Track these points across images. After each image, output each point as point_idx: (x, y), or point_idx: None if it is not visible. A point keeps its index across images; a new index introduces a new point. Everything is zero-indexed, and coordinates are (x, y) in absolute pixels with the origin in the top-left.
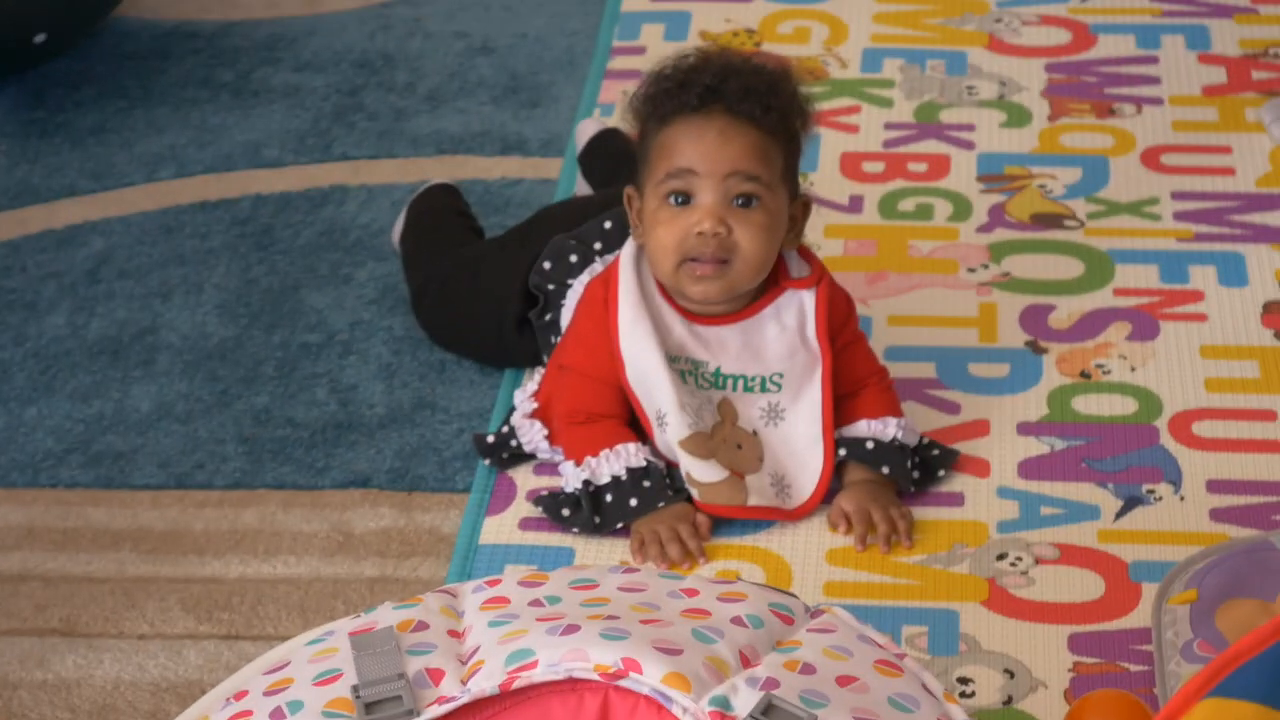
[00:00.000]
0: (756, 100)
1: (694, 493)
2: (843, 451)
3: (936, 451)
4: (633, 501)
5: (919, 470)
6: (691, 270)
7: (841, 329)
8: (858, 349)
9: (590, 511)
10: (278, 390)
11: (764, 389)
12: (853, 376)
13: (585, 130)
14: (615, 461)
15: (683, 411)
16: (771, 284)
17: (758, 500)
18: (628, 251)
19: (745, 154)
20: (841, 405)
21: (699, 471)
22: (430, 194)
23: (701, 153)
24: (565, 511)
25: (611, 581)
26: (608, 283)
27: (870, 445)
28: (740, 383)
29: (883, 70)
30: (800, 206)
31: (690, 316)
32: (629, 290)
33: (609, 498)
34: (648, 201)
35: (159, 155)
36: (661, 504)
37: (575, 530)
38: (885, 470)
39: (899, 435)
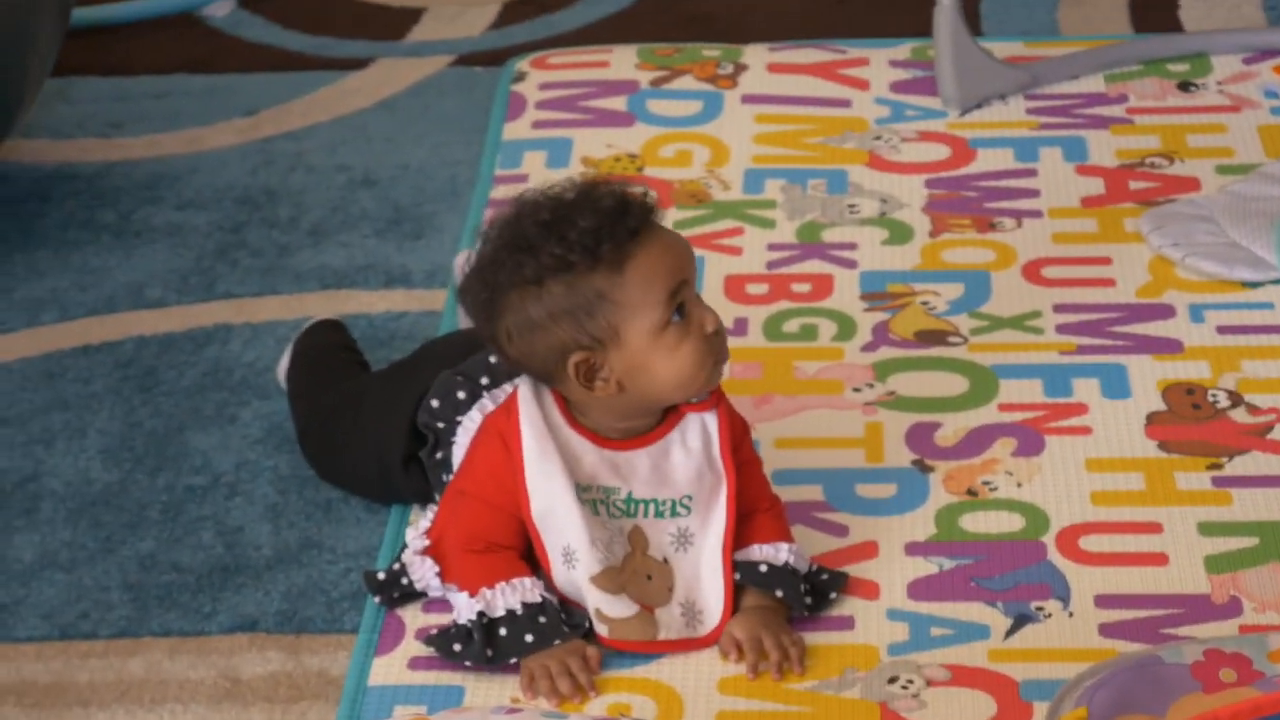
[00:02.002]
0: (650, 207)
1: (602, 629)
2: (736, 575)
3: (826, 576)
4: (529, 637)
5: (810, 595)
6: (717, 367)
7: (739, 447)
8: (753, 469)
9: (483, 644)
10: (163, 535)
11: (674, 513)
12: (748, 496)
13: (463, 262)
14: (512, 595)
15: (594, 547)
16: (671, 410)
17: (667, 634)
18: (526, 386)
19: (690, 253)
20: (736, 530)
21: (609, 607)
22: (315, 330)
23: (681, 259)
24: (457, 647)
25: None
26: (509, 415)
27: (764, 569)
28: (651, 508)
29: (764, 191)
30: None
31: (601, 442)
32: (533, 423)
33: (504, 631)
34: (632, 344)
35: (40, 300)
36: (558, 641)
37: (468, 663)
38: (779, 594)
39: (791, 560)
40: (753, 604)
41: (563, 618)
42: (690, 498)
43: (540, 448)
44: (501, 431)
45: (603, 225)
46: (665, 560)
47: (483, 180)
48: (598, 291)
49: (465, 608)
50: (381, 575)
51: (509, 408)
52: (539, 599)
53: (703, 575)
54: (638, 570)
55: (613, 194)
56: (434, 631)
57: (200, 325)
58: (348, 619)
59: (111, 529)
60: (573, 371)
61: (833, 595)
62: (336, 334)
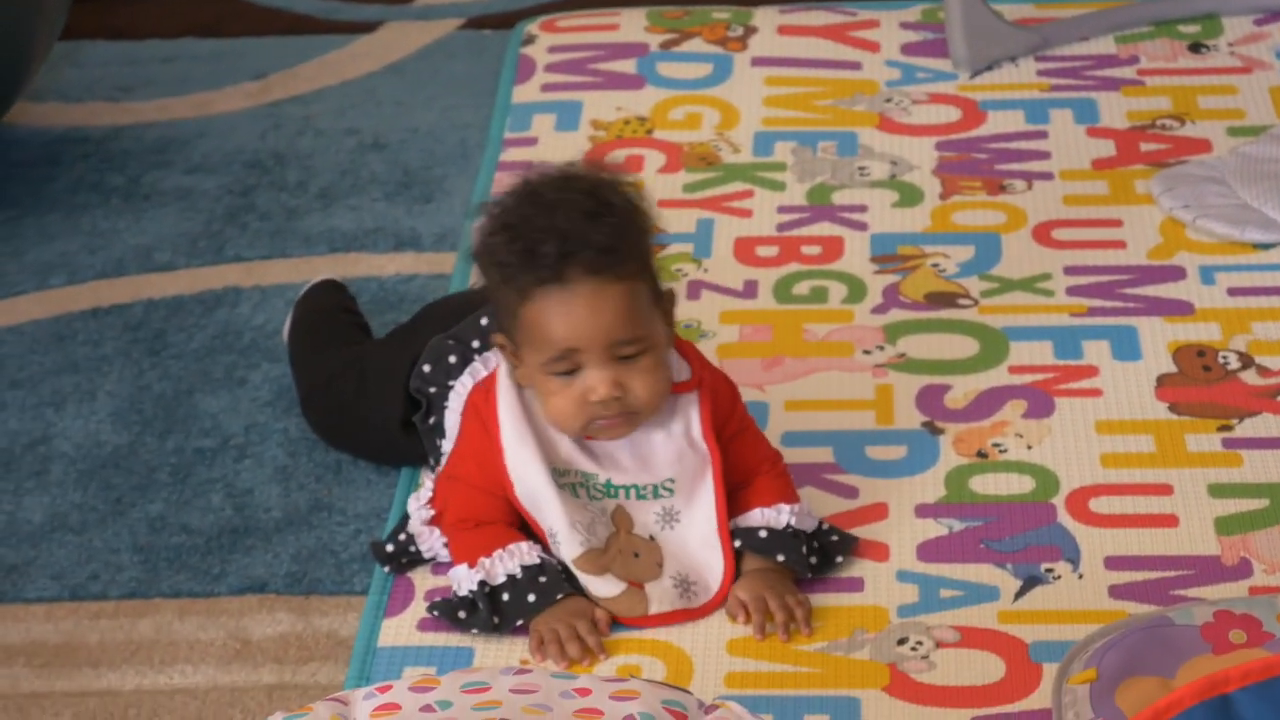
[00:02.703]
0: (609, 254)
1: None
2: (737, 542)
3: (836, 537)
4: (531, 597)
5: (817, 556)
6: (599, 427)
7: (728, 419)
8: (746, 436)
9: (488, 612)
10: (172, 497)
11: (656, 495)
12: (744, 465)
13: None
14: (509, 560)
15: (573, 529)
16: None
17: (659, 606)
18: (504, 372)
19: (620, 319)
20: (735, 495)
21: (595, 587)
22: (315, 292)
23: (577, 329)
24: (462, 614)
25: (503, 683)
26: (488, 397)
27: (763, 534)
28: (632, 492)
29: (774, 154)
30: (668, 299)
31: None
32: (509, 407)
33: (506, 596)
34: (527, 363)
35: (50, 263)
36: (560, 595)
37: (475, 631)
38: (780, 558)
39: (792, 521)
40: (757, 566)
41: (563, 575)
42: (673, 480)
43: (517, 432)
44: (481, 414)
45: (525, 259)
46: (652, 538)
47: (492, 143)
48: (508, 305)
49: (466, 579)
50: (390, 547)
51: (488, 388)
52: (538, 560)
53: (693, 551)
54: (624, 548)
55: (566, 228)
56: (438, 599)
57: (209, 288)
58: (357, 580)
59: (121, 491)
60: (497, 346)
61: (839, 559)
62: (336, 295)
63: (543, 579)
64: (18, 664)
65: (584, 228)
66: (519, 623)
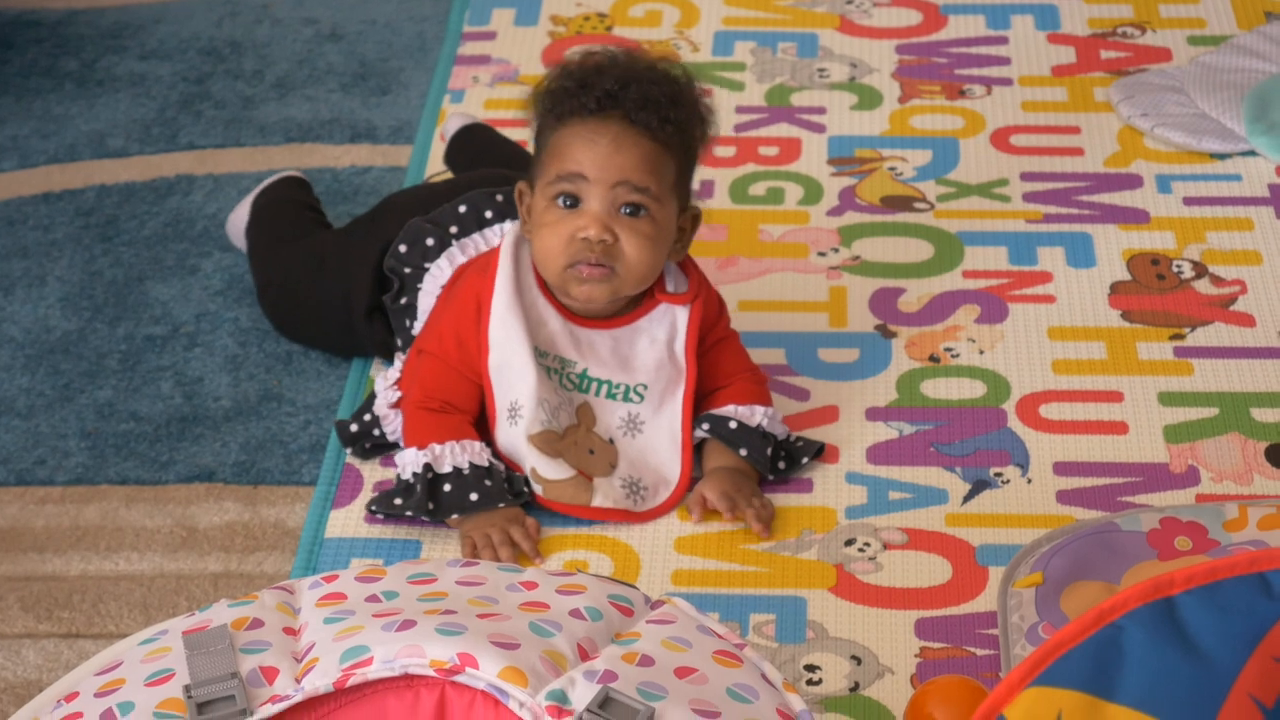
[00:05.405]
0: (654, 111)
1: (537, 489)
2: (705, 427)
3: (801, 443)
4: (473, 496)
5: (785, 462)
6: (578, 273)
7: (713, 327)
8: (727, 346)
9: (425, 496)
10: (121, 384)
11: (626, 398)
12: (723, 371)
13: (453, 124)
14: (460, 455)
15: (539, 407)
16: (647, 296)
17: (603, 501)
18: (508, 243)
19: (636, 164)
20: (711, 395)
21: (544, 468)
22: (278, 185)
23: (593, 159)
24: (398, 500)
25: (450, 575)
26: (485, 272)
27: (733, 425)
28: (604, 388)
29: (734, 53)
30: (689, 219)
31: (566, 315)
32: (506, 281)
33: (448, 488)
34: (537, 199)
35: (1, 146)
36: (501, 504)
37: (408, 513)
38: (743, 452)
39: (764, 423)
40: (722, 464)
41: (506, 485)
42: (645, 386)
43: (507, 305)
44: (478, 292)
45: (578, 89)
46: (611, 441)
47: (450, 36)
48: (541, 134)
49: (411, 462)
50: (354, 427)
51: (487, 265)
52: (487, 463)
53: (649, 461)
54: (580, 443)
55: (626, 76)
56: (375, 495)
57: (162, 175)
58: (305, 471)
59: (70, 377)
60: (515, 194)
61: (805, 460)
62: (299, 191)
63: (488, 483)
64: None
65: (646, 83)
66: (454, 516)
